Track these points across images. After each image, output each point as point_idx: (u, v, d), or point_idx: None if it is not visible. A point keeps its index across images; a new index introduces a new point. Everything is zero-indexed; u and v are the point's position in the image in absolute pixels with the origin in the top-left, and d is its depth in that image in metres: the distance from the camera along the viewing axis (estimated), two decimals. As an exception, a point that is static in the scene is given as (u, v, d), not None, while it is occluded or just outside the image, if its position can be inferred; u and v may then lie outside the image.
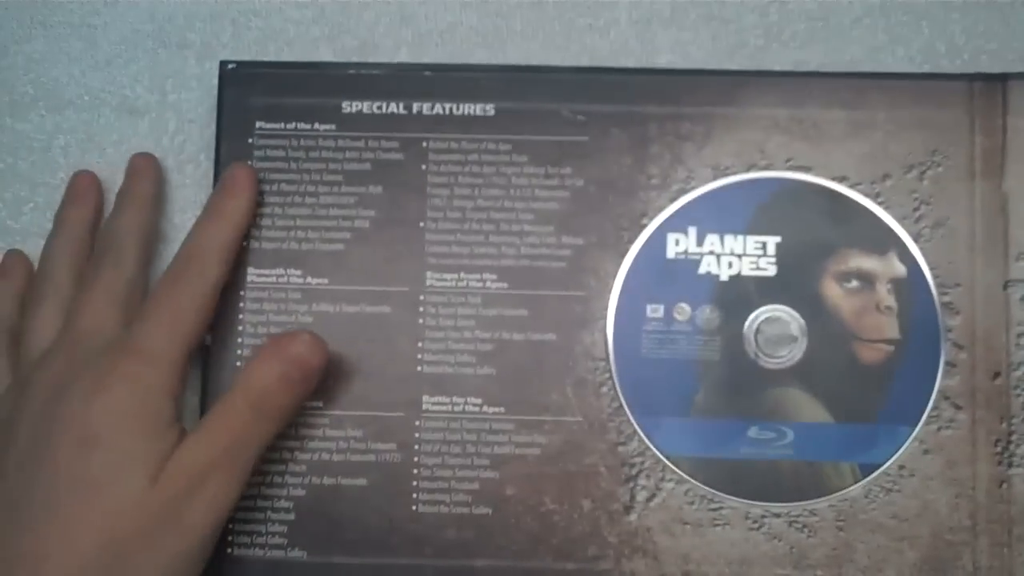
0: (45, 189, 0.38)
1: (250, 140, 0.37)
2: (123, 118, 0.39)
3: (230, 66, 0.37)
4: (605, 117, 0.36)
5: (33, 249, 0.38)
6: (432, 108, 0.37)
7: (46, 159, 0.39)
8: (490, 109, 0.37)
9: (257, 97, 0.37)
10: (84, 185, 0.37)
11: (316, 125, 0.37)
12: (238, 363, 0.36)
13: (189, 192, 0.38)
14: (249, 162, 0.36)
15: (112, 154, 0.38)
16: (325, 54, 0.39)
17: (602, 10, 0.39)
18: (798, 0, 0.38)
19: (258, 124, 0.37)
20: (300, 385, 0.33)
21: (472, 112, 0.37)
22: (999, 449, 0.35)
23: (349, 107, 0.37)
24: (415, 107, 0.37)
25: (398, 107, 0.37)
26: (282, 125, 0.37)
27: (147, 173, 0.37)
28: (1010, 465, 0.35)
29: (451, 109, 0.37)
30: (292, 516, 0.35)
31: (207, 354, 0.36)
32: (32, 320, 0.35)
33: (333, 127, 0.37)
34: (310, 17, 0.39)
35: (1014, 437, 0.35)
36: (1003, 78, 0.36)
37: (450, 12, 0.39)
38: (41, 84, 0.39)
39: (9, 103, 0.39)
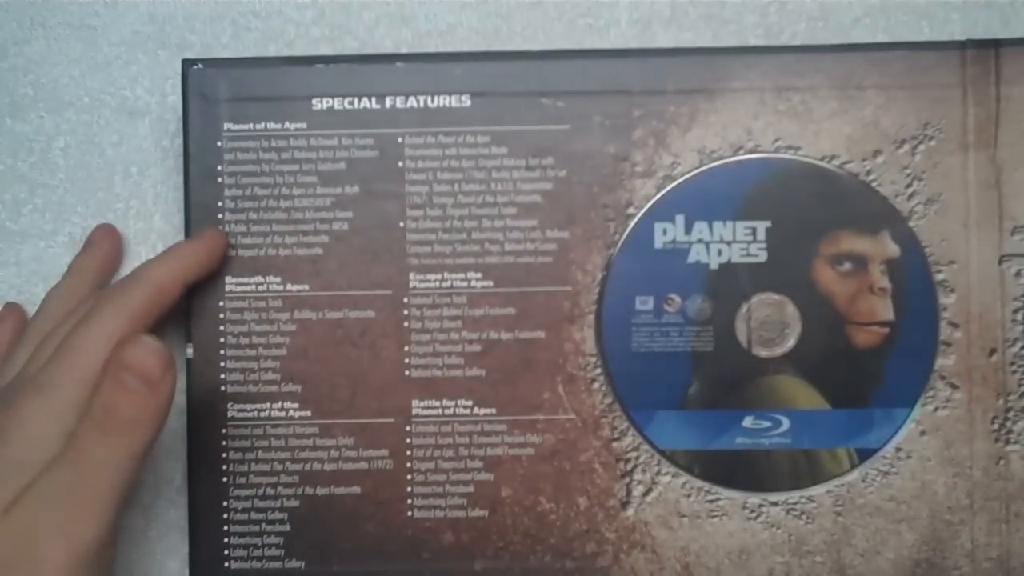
0: (44, 190, 0.38)
1: (219, 143, 0.35)
2: (123, 119, 0.38)
3: (196, 66, 0.36)
4: (586, 103, 0.35)
5: (31, 251, 0.38)
6: (406, 101, 0.35)
7: (46, 160, 0.38)
8: (466, 100, 0.35)
9: (224, 97, 0.35)
10: (98, 236, 0.37)
11: (286, 124, 0.36)
12: (222, 375, 0.35)
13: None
14: (219, 167, 0.35)
15: (112, 155, 0.38)
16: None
17: (602, 10, 0.38)
18: (798, 0, 0.37)
19: (226, 126, 0.35)
20: (144, 394, 0.29)
21: (448, 104, 0.35)
22: (996, 426, 0.35)
23: (320, 104, 0.35)
24: (388, 101, 0.35)
25: (370, 102, 0.35)
26: (251, 126, 0.35)
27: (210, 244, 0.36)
28: (1007, 442, 0.35)
29: (426, 101, 0.35)
30: (287, 527, 0.35)
31: (189, 368, 0.35)
32: (8, 361, 0.34)
33: (304, 125, 0.35)
34: (310, 18, 0.38)
35: (1011, 414, 0.35)
36: (996, 44, 0.35)
37: (450, 12, 0.38)
38: (41, 85, 0.38)
39: (9, 104, 0.38)
